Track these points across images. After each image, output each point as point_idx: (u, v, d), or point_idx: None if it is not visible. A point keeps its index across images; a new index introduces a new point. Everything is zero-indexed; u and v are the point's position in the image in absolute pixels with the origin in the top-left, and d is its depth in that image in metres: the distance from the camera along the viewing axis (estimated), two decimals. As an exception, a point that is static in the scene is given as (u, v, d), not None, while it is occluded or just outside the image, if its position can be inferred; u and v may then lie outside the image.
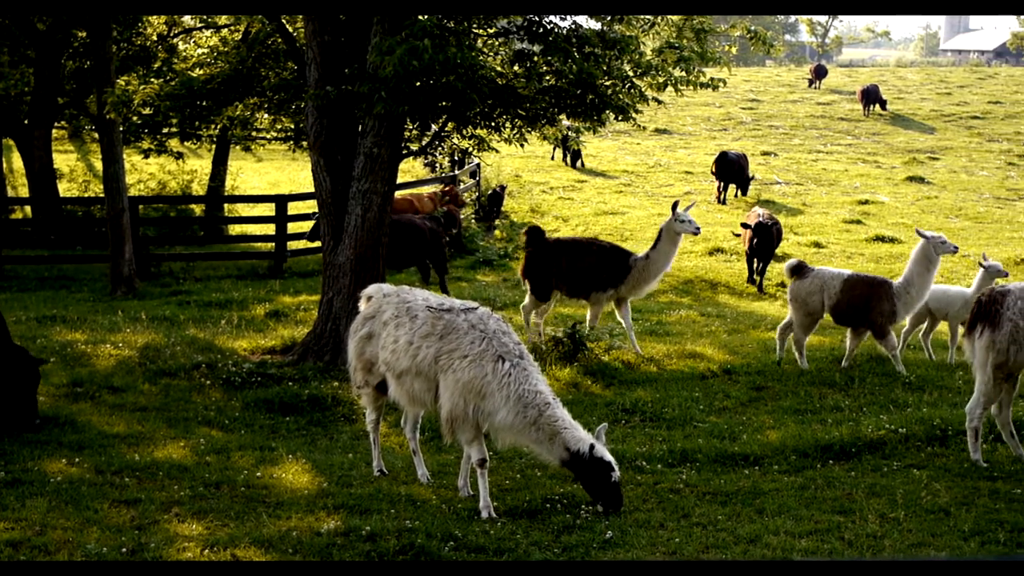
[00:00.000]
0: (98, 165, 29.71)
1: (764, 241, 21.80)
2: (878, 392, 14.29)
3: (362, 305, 11.32)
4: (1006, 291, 11.29)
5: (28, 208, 29.51)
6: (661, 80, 15.66)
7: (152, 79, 21.40)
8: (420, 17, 13.57)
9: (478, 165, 33.31)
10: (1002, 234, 28.79)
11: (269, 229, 26.27)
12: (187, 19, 25.93)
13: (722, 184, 33.35)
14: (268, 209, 26.29)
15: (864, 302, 15.13)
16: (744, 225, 22.30)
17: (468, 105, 14.67)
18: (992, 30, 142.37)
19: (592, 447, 10.03)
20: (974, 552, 9.20)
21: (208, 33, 24.45)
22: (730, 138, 46.97)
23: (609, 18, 15.88)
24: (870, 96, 52.57)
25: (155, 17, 25.73)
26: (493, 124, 16.34)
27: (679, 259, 20.89)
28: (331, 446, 12.44)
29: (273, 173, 39.79)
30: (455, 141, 18.77)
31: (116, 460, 11.39)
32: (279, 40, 17.20)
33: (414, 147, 17.94)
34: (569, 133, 18.78)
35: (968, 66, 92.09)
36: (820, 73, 64.06)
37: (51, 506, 10.01)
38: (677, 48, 15.73)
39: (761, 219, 21.97)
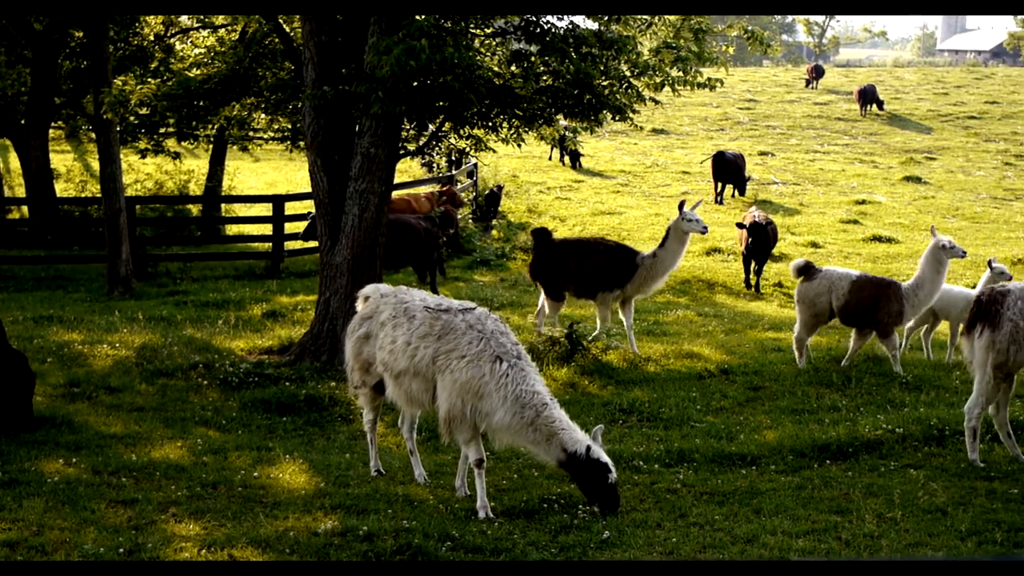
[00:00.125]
0: (95, 165, 29.71)
1: (759, 240, 21.79)
2: (875, 392, 14.30)
3: (359, 305, 11.32)
4: (1006, 291, 11.30)
5: (25, 208, 29.48)
6: (658, 80, 15.65)
7: (149, 79, 21.40)
8: (417, 17, 13.56)
9: (475, 165, 33.30)
10: (999, 234, 28.82)
11: (266, 229, 26.25)
12: (184, 19, 25.90)
13: (719, 184, 33.38)
14: (265, 209, 26.27)
15: (872, 303, 15.10)
16: (739, 225, 22.31)
17: (465, 105, 14.67)
18: (989, 30, 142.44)
19: (589, 448, 10.03)
20: (971, 552, 9.21)
21: (205, 33, 24.43)
22: (727, 138, 46.99)
23: (606, 18, 15.87)
24: (867, 96, 52.61)
25: (152, 17, 25.71)
26: (490, 124, 16.34)
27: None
28: (328, 446, 12.44)
29: (270, 173, 39.77)
30: (452, 141, 18.74)
31: (113, 460, 11.39)
32: (276, 40, 17.19)
33: (411, 147, 17.91)
34: (566, 133, 18.76)
35: (965, 66, 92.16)
36: (817, 73, 64.10)
37: (48, 506, 10.01)
38: (674, 48, 15.72)
39: (756, 219, 21.97)
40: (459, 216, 26.69)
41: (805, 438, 12.20)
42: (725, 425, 12.99)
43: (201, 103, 17.19)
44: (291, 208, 25.85)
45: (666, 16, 16.38)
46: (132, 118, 20.37)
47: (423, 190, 28.30)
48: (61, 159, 36.94)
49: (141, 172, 31.09)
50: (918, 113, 53.37)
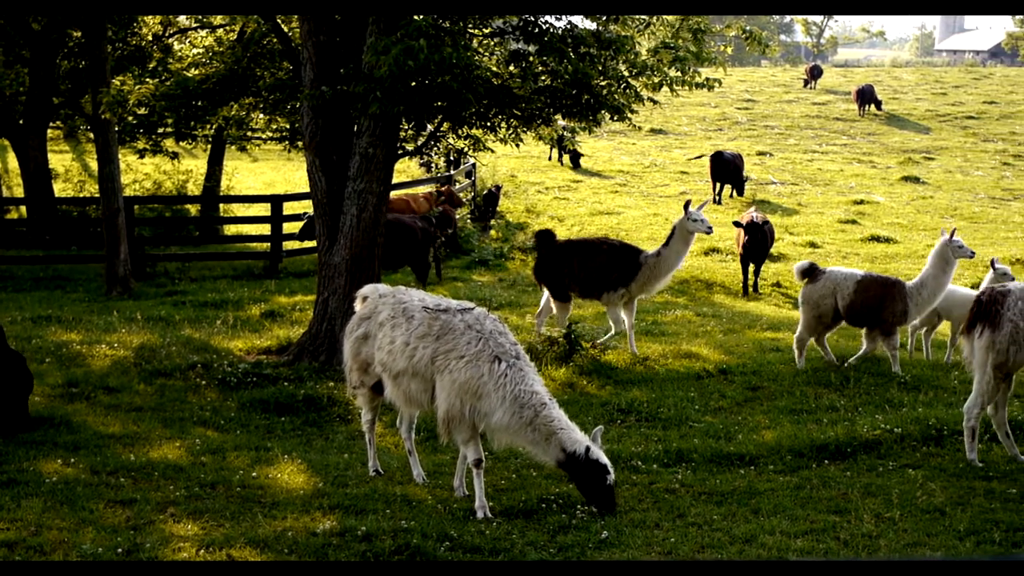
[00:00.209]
0: (93, 165, 29.66)
1: (756, 240, 21.75)
2: (873, 392, 14.30)
3: (357, 306, 11.31)
4: (1006, 291, 11.30)
5: (23, 208, 29.47)
6: (656, 80, 15.65)
7: (147, 79, 21.40)
8: (416, 17, 13.57)
9: (473, 165, 33.29)
10: (997, 234, 28.83)
11: (265, 229, 26.26)
12: (182, 19, 25.90)
13: (718, 184, 33.40)
14: (264, 209, 26.27)
15: (878, 302, 15.08)
16: (736, 224, 22.29)
17: (463, 105, 14.67)
18: (987, 30, 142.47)
19: (588, 449, 10.02)
20: (969, 552, 9.21)
21: (203, 33, 24.43)
22: (726, 138, 46.99)
23: (604, 18, 15.87)
24: (865, 96, 52.61)
25: (150, 17, 25.71)
26: (489, 124, 16.33)
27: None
28: (327, 446, 12.44)
29: (268, 173, 39.76)
30: (451, 141, 18.75)
31: (111, 460, 11.39)
32: (274, 40, 17.19)
33: (409, 147, 17.92)
34: (565, 133, 18.77)
35: (963, 66, 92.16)
36: (815, 73, 64.09)
37: (46, 506, 10.01)
38: (672, 48, 15.73)
39: (753, 219, 21.95)
40: (457, 216, 26.70)
41: (803, 438, 12.20)
42: (723, 425, 12.99)
43: (199, 103, 17.18)
44: (289, 208, 25.84)
45: (664, 16, 16.38)
46: (130, 118, 20.36)
47: (421, 190, 28.30)
48: (59, 159, 36.91)
49: (139, 172, 31.07)
50: (916, 113, 53.39)
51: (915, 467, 11.47)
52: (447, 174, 30.80)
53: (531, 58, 15.53)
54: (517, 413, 10.00)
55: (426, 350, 10.33)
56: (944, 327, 16.84)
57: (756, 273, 22.76)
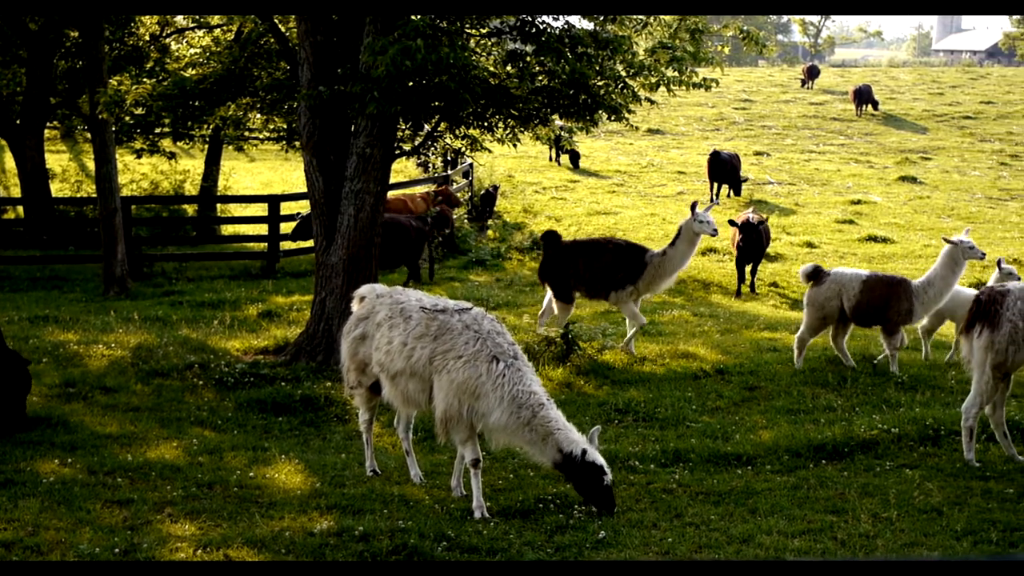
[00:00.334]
0: (90, 165, 29.69)
1: (751, 240, 21.71)
2: (871, 392, 14.30)
3: (355, 306, 11.31)
4: (1005, 291, 11.29)
5: (20, 208, 29.44)
6: (654, 80, 15.66)
7: (144, 79, 21.37)
8: (413, 17, 13.56)
9: (471, 165, 33.28)
10: (994, 234, 28.83)
11: (262, 229, 26.25)
12: (179, 19, 25.89)
13: (715, 184, 33.40)
14: (261, 209, 26.27)
15: (884, 302, 15.06)
16: (731, 223, 22.28)
17: (461, 105, 14.67)
18: (984, 30, 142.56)
19: (584, 451, 10.02)
20: (967, 552, 9.22)
21: (201, 33, 24.40)
22: (723, 138, 46.99)
23: (602, 18, 15.88)
24: (862, 96, 52.62)
25: (147, 17, 25.71)
26: (486, 124, 16.33)
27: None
28: (324, 446, 12.44)
29: (266, 173, 39.75)
30: (448, 141, 18.74)
31: (109, 460, 11.38)
32: (272, 40, 17.19)
33: (407, 147, 17.91)
34: (562, 133, 18.78)
35: (960, 66, 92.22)
36: (812, 73, 64.11)
37: (43, 507, 10.00)
38: (670, 48, 15.74)
39: (749, 219, 21.92)
40: (455, 216, 26.69)
41: (801, 438, 12.21)
42: (721, 425, 13.00)
43: (196, 103, 17.17)
44: (287, 208, 25.85)
45: (662, 16, 16.39)
46: (127, 118, 20.36)
47: (419, 190, 28.30)
48: (57, 159, 36.91)
49: (137, 172, 31.07)
50: (913, 113, 53.41)
51: (912, 467, 11.48)
52: (444, 174, 30.81)
53: (528, 58, 15.53)
54: (515, 413, 10.00)
55: (424, 350, 10.33)
56: (945, 328, 16.79)
57: (753, 273, 22.74)
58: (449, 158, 30.85)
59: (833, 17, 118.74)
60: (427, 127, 17.22)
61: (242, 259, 25.84)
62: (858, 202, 33.67)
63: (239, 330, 17.51)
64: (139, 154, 28.23)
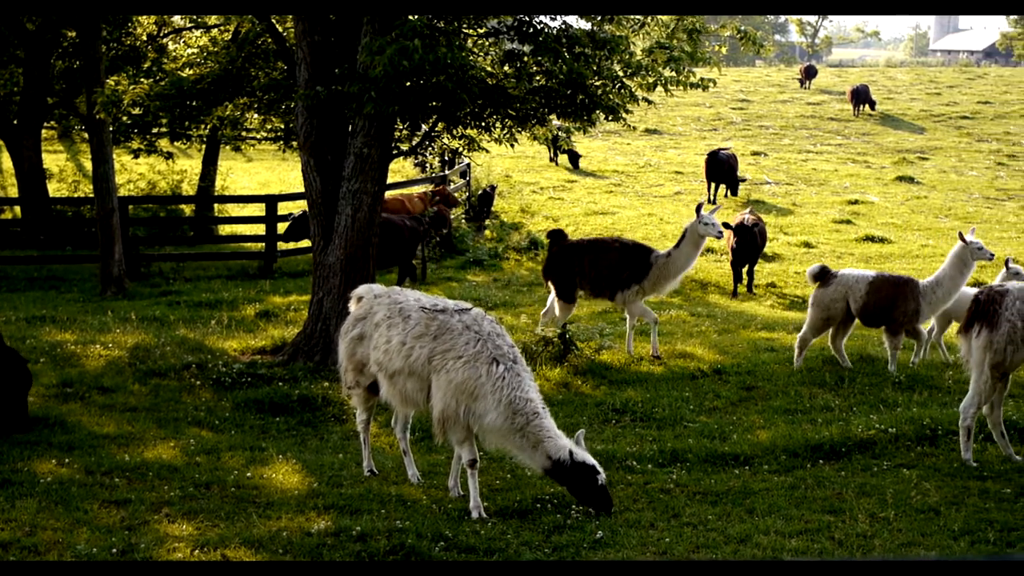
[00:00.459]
0: (88, 165, 29.68)
1: (746, 242, 21.68)
2: (868, 392, 14.30)
3: (352, 306, 11.31)
4: (1004, 291, 11.28)
5: (17, 208, 29.43)
6: (651, 80, 15.66)
7: (142, 79, 21.36)
8: (410, 17, 13.57)
9: (468, 165, 33.30)
10: (991, 234, 28.84)
11: (259, 229, 26.25)
12: (177, 19, 25.91)
13: (713, 184, 33.40)
14: (258, 209, 26.27)
15: (890, 302, 15.01)
16: (726, 225, 22.24)
17: (458, 105, 14.67)
18: (982, 30, 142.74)
19: (572, 453, 10.02)
20: (964, 551, 9.22)
21: (198, 33, 24.43)
22: (720, 138, 47.00)
23: (599, 18, 15.88)
24: (860, 96, 52.65)
25: (145, 17, 25.70)
26: (483, 124, 16.33)
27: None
28: (321, 446, 12.44)
29: (263, 173, 39.75)
30: (445, 141, 18.76)
31: (106, 461, 11.38)
32: (269, 40, 17.18)
33: (404, 147, 17.92)
34: (559, 133, 18.78)
35: (957, 66, 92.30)
36: (810, 73, 64.15)
37: (41, 507, 10.00)
38: (667, 48, 15.73)
39: (743, 220, 21.87)
40: (452, 216, 26.69)
41: (798, 438, 12.21)
42: (718, 425, 13.00)
43: (194, 103, 17.17)
44: (284, 208, 25.85)
45: (659, 16, 16.38)
46: (125, 118, 20.34)
47: (416, 190, 28.30)
48: (54, 159, 36.91)
49: (134, 172, 31.06)
50: (911, 113, 53.44)
51: (910, 467, 11.48)
52: (442, 174, 30.81)
53: (526, 58, 15.53)
54: (510, 418, 10.00)
55: (423, 349, 10.33)
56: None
57: (750, 274, 22.72)
58: (446, 158, 30.89)
59: (830, 17, 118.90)
60: (424, 127, 17.22)
61: (239, 259, 25.84)
62: (855, 202, 33.68)
63: (236, 330, 17.50)
64: (136, 154, 28.23)
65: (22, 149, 27.22)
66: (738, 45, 17.19)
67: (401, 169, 36.34)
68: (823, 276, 15.48)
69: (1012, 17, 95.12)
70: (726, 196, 33.53)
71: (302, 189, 16.87)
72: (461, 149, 19.04)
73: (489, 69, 15.94)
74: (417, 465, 11.36)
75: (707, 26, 17.07)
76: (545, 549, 9.41)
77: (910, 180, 37.82)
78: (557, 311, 16.86)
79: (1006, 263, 15.65)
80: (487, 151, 19.72)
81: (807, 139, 47.13)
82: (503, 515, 10.22)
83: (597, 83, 15.55)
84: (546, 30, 15.23)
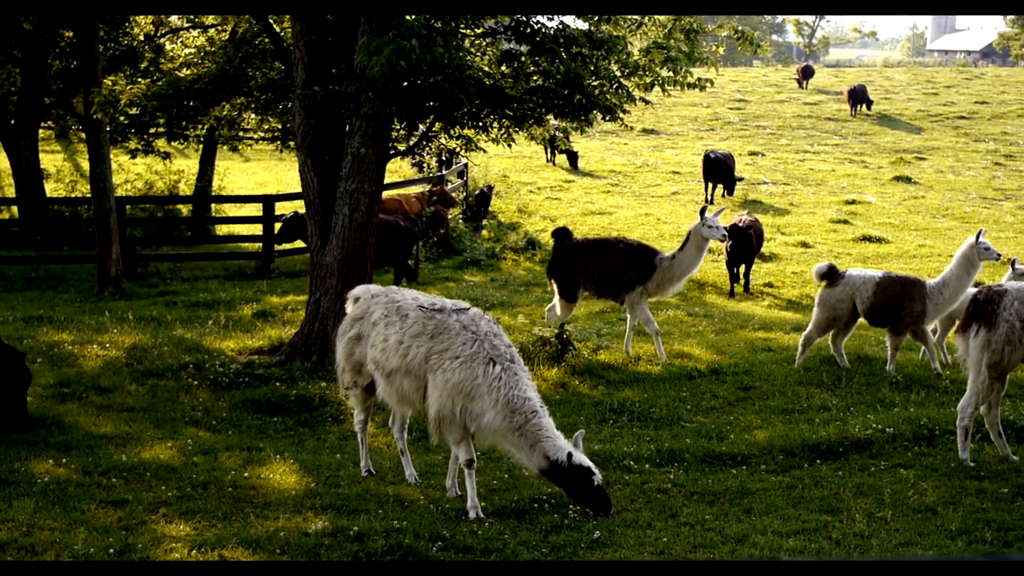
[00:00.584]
0: (85, 165, 29.61)
1: (741, 244, 21.63)
2: (865, 392, 14.31)
3: (349, 307, 11.30)
4: (1003, 291, 11.28)
5: (15, 208, 29.42)
6: (648, 80, 15.65)
7: (139, 79, 21.35)
8: (407, 17, 13.55)
9: (465, 165, 33.30)
10: (989, 234, 28.73)
11: (256, 229, 26.24)
12: (174, 19, 25.87)
13: (710, 185, 33.41)
14: (255, 209, 26.26)
15: (897, 303, 14.96)
16: (721, 226, 22.20)
17: (455, 105, 14.66)
18: (979, 30, 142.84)
19: (570, 455, 10.02)
20: (961, 551, 9.22)
21: (195, 33, 24.40)
22: (717, 138, 47.03)
23: (596, 18, 15.87)
24: (857, 96, 52.69)
25: (142, 17, 25.67)
26: (480, 124, 16.33)
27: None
28: (319, 446, 12.43)
29: (260, 173, 39.74)
30: (442, 141, 18.75)
31: (103, 461, 11.37)
32: (266, 40, 17.17)
33: (401, 147, 17.93)
34: (557, 133, 18.77)
35: (955, 66, 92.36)
36: (807, 73, 64.20)
37: (38, 507, 9.99)
38: (664, 48, 15.73)
39: (737, 222, 21.83)
40: (450, 216, 26.69)
41: (795, 438, 12.21)
42: (715, 425, 13.00)
43: (191, 103, 17.15)
44: (281, 208, 25.81)
45: (656, 16, 16.38)
46: (122, 118, 20.29)
47: (413, 190, 28.29)
48: (51, 159, 36.89)
49: (131, 172, 31.04)
50: (908, 113, 53.47)
51: (907, 467, 11.48)
52: (439, 174, 30.81)
53: (523, 58, 15.52)
54: (508, 417, 10.00)
55: (420, 349, 10.33)
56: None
57: (747, 274, 22.72)
58: (444, 158, 30.90)
59: (828, 17, 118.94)
60: (422, 127, 17.21)
61: (237, 259, 25.84)
62: (853, 202, 33.70)
63: (234, 330, 17.50)
64: (134, 154, 28.20)
65: (19, 149, 27.21)
66: (735, 45, 17.17)
67: (399, 169, 36.33)
68: (830, 276, 15.43)
69: (1009, 17, 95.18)
70: (723, 196, 33.54)
71: (299, 189, 16.87)
72: (458, 149, 19.04)
73: (486, 69, 15.93)
74: (414, 465, 11.36)
75: (704, 26, 17.05)
76: (542, 549, 9.42)
77: (907, 180, 37.84)
78: (559, 310, 16.86)
79: (1012, 263, 15.55)
80: (484, 151, 19.71)
81: (804, 139, 47.16)
82: (500, 515, 10.22)
83: (594, 83, 15.55)
84: (543, 30, 15.22)
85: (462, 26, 15.95)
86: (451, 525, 9.83)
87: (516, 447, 10.15)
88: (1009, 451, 11.68)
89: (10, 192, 30.93)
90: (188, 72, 18.70)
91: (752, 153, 43.06)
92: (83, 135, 27.16)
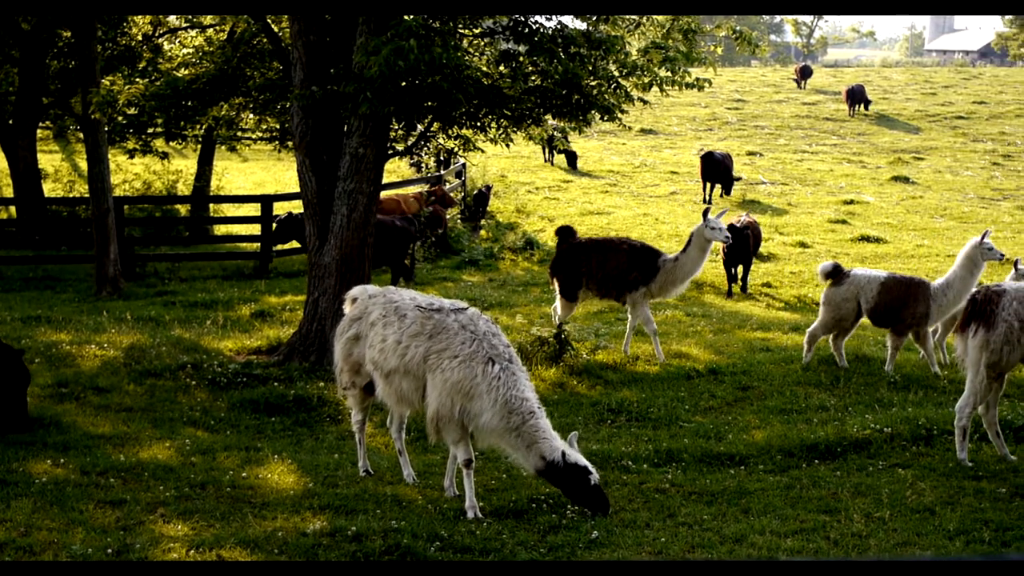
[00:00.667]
0: (83, 165, 29.64)
1: (737, 244, 21.59)
2: (864, 392, 14.31)
3: (347, 307, 11.30)
4: (1001, 291, 11.28)
5: (13, 208, 29.38)
6: (646, 80, 15.64)
7: (137, 79, 21.34)
8: (406, 17, 13.55)
9: (464, 165, 33.29)
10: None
11: (255, 229, 26.23)
12: (172, 19, 25.84)
13: (708, 184, 33.41)
14: (253, 209, 26.25)
15: (900, 304, 14.94)
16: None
17: (454, 105, 14.65)
18: (977, 30, 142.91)
19: (565, 455, 10.02)
20: (959, 551, 9.23)
21: (193, 33, 24.38)
22: (715, 138, 47.03)
23: (595, 18, 15.87)
24: (855, 96, 52.70)
25: (140, 17, 25.66)
26: (479, 124, 16.32)
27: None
28: (317, 446, 12.43)
29: (259, 173, 39.72)
30: (441, 141, 18.73)
31: (101, 461, 11.37)
32: (264, 40, 17.17)
33: (400, 147, 17.91)
34: (555, 133, 18.76)
35: (953, 66, 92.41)
36: (805, 73, 64.20)
37: (36, 507, 9.99)
38: (662, 48, 15.73)
39: (734, 223, 21.79)
40: (448, 216, 26.68)
41: (793, 438, 12.21)
42: (713, 425, 13.00)
43: (189, 103, 17.15)
44: (279, 208, 25.84)
45: (655, 16, 16.38)
46: (120, 118, 20.30)
47: (412, 190, 28.29)
48: (49, 159, 36.88)
49: (129, 172, 31.04)
50: (906, 113, 53.48)
51: (905, 467, 11.49)
52: (437, 174, 30.80)
53: (521, 58, 15.52)
54: (506, 417, 10.00)
55: (418, 348, 10.33)
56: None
57: (744, 275, 22.70)
58: (442, 158, 30.86)
59: (826, 17, 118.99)
60: (420, 127, 17.20)
61: (235, 259, 25.82)
62: (851, 202, 33.70)
63: (232, 330, 17.49)
64: (132, 154, 28.17)
65: (17, 149, 27.20)
66: (734, 45, 17.17)
67: (397, 169, 36.33)
68: (835, 275, 15.42)
69: (1007, 17, 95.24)
70: (721, 196, 33.53)
71: (298, 189, 16.85)
72: (457, 149, 19.00)
73: (485, 69, 15.94)
74: (413, 465, 11.36)
75: (703, 26, 17.05)
76: (541, 549, 9.42)
77: (905, 180, 37.84)
78: (559, 309, 16.86)
79: (1015, 264, 15.54)
80: (483, 151, 19.70)
81: (803, 139, 47.17)
82: (499, 515, 10.23)
83: (593, 83, 15.54)
84: (541, 30, 15.21)
85: (460, 26, 15.94)
86: (449, 525, 9.83)
87: (513, 447, 10.16)
88: (1007, 451, 11.69)
89: (8, 192, 30.90)
90: (186, 72, 18.68)
91: (750, 153, 43.07)
92: (81, 135, 27.13)
